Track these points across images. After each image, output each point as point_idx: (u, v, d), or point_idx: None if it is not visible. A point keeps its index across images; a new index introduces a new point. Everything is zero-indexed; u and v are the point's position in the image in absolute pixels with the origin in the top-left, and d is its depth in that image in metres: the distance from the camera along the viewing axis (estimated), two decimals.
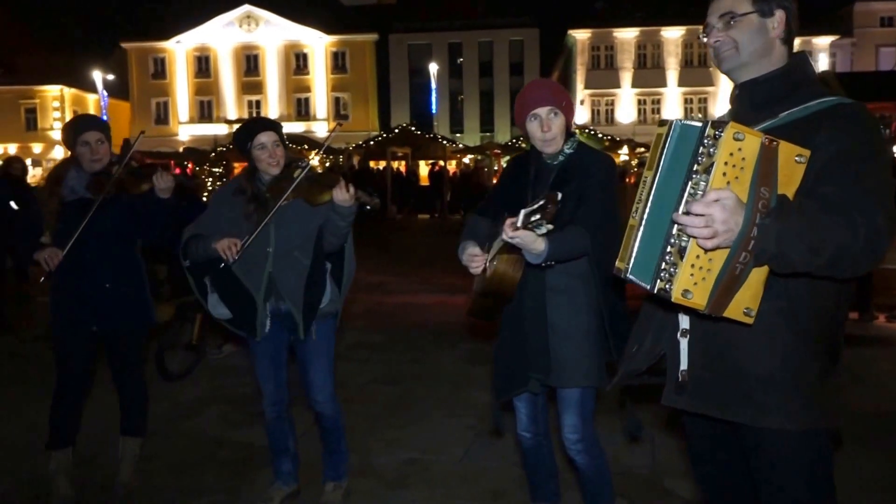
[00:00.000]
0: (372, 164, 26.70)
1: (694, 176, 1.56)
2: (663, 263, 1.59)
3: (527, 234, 2.15)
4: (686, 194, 1.57)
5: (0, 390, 4.94)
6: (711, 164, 1.53)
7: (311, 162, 3.06)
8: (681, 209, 1.56)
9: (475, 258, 2.54)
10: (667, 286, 1.57)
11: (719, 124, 1.54)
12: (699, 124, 1.61)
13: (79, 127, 3.33)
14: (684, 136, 1.63)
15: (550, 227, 2.08)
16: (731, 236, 1.49)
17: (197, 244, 3.05)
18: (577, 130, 23.16)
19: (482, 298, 2.53)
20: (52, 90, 43.42)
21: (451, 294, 8.81)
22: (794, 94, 1.79)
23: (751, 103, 1.84)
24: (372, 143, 26.52)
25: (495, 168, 25.57)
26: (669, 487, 3.48)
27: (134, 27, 43.40)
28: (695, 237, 1.51)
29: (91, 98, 43.66)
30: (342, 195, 2.90)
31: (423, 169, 27.47)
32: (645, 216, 1.69)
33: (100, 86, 35.15)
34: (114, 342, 3.44)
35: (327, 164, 25.69)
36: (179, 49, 42.79)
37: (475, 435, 4.13)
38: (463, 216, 20.90)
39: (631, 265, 1.68)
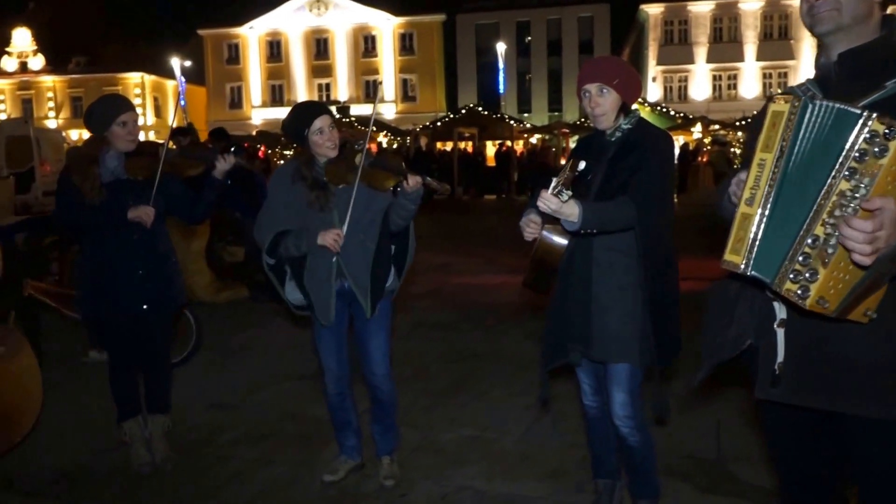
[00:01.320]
0: (439, 145, 26.71)
1: (849, 175, 1.40)
2: (796, 265, 1.46)
3: (552, 200, 2.18)
4: (833, 193, 1.42)
5: (76, 363, 5.23)
6: (879, 169, 1.36)
7: (366, 144, 3.06)
8: (824, 212, 1.42)
9: (531, 223, 2.54)
10: (799, 290, 1.46)
11: (891, 123, 1.37)
12: (857, 111, 1.44)
13: (116, 107, 3.37)
14: (837, 122, 1.46)
15: (569, 193, 2.15)
16: (888, 251, 1.39)
17: (293, 242, 3.07)
18: (646, 107, 22.46)
19: (531, 267, 2.58)
20: (133, 77, 45.21)
21: (515, 274, 8.65)
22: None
23: (852, 74, 1.71)
24: (439, 123, 26.46)
25: (563, 147, 25.20)
26: (734, 472, 3.42)
27: (210, 14, 44.64)
28: (853, 251, 1.38)
29: (170, 84, 45.23)
30: (411, 183, 2.95)
31: (490, 149, 27.31)
32: (769, 207, 1.54)
33: (178, 72, 36.35)
34: (150, 321, 3.53)
35: (394, 146, 25.89)
36: (252, 35, 43.73)
37: (536, 414, 4.15)
38: (530, 197, 20.58)
39: (752, 261, 1.55)
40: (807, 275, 1.46)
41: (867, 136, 1.39)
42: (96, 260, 3.43)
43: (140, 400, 3.66)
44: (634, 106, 2.66)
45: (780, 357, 1.73)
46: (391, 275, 3.23)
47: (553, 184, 2.18)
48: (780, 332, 1.73)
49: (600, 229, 2.39)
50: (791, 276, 1.48)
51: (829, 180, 1.45)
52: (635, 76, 2.63)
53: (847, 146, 1.42)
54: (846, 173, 1.41)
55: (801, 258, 1.47)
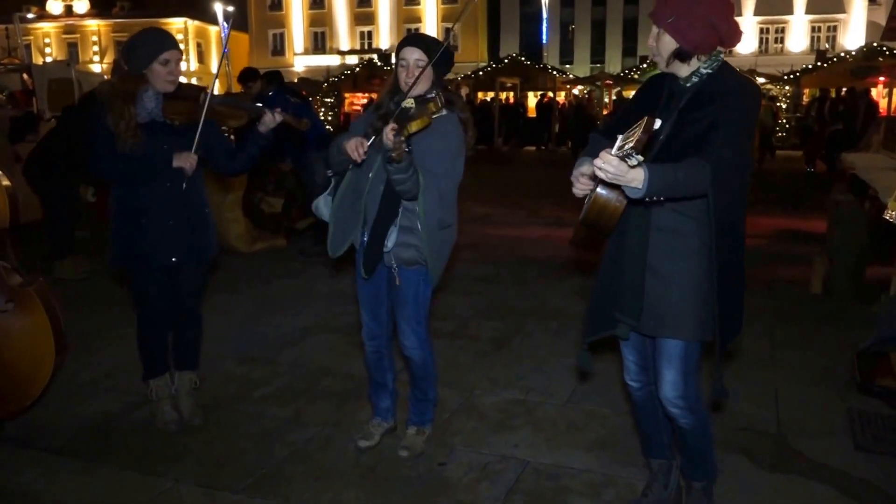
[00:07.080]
0: (480, 94, 26.37)
1: None
2: None
3: (615, 165, 1.84)
4: None
5: (110, 313, 5.06)
6: None
7: (410, 96, 2.78)
8: None
9: (582, 178, 2.23)
10: None
11: None
12: None
13: (159, 44, 3.09)
14: None
15: (640, 158, 1.80)
16: None
17: (333, 147, 2.85)
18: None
19: (582, 228, 2.26)
20: (176, 22, 45.09)
21: (558, 227, 8.58)
22: None
23: None
24: (481, 73, 26.14)
25: (605, 100, 24.64)
26: (795, 447, 3.17)
27: None
28: None
29: (213, 30, 45.05)
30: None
31: (532, 100, 26.86)
32: None
33: (220, 18, 36.06)
34: (181, 275, 3.33)
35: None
36: None
37: (581, 376, 3.92)
38: (571, 149, 20.42)
39: None
40: None
41: None
42: (125, 208, 3.21)
43: (168, 358, 3.48)
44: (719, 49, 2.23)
45: None
46: (393, 236, 2.84)
47: (618, 143, 1.84)
48: None
49: (668, 197, 2.04)
50: None
51: None
52: (703, 16, 2.13)
53: None
54: None
55: None
